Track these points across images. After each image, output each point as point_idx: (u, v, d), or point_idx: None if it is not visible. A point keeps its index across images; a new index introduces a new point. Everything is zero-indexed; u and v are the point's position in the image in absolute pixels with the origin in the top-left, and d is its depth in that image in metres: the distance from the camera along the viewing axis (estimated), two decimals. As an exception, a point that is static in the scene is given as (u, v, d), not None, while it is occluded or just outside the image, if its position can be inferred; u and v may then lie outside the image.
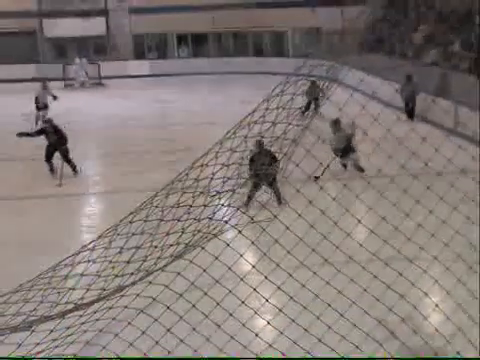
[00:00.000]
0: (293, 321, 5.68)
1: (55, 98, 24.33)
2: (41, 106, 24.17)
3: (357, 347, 5.80)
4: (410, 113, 23.39)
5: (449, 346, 7.15)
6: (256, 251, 6.07)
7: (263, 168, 12.82)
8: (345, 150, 16.22)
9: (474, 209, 6.77)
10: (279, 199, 13.12)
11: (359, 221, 5.64)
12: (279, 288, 5.79)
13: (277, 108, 5.13)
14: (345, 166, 16.60)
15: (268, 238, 5.47)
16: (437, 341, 7.89)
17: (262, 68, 35.99)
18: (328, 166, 13.50)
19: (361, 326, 5.90)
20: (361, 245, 5.87)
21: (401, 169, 6.67)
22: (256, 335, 5.72)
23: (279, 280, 5.99)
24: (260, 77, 32.16)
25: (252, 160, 12.70)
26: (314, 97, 23.08)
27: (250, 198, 12.74)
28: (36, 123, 23.17)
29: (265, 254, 5.68)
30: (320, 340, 5.60)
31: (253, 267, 6.54)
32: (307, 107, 22.91)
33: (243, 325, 5.68)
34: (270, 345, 5.66)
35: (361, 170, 15.67)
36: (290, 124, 5.08)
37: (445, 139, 7.24)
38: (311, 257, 5.94)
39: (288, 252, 5.60)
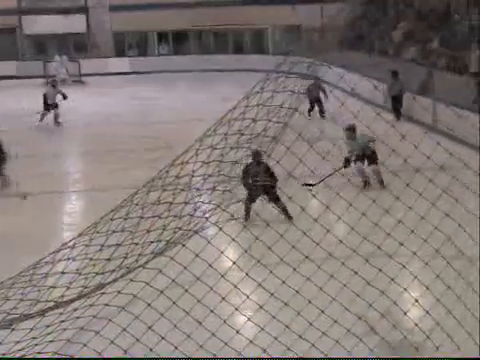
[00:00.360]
0: (274, 317, 5.69)
1: (65, 97, 23.89)
2: (52, 105, 23.77)
3: (337, 342, 5.81)
4: (397, 112, 22.78)
5: (428, 341, 7.19)
6: (237, 248, 6.06)
7: (258, 180, 12.42)
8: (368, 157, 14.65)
9: (453, 205, 6.80)
10: (286, 214, 12.37)
11: (339, 218, 5.65)
12: (260, 285, 5.78)
13: (257, 105, 5.13)
14: (367, 182, 14.56)
15: (249, 235, 5.47)
16: (416, 336, 7.93)
17: (242, 65, 35.99)
18: (327, 177, 11.82)
19: (341, 322, 5.92)
20: (341, 241, 5.88)
21: (381, 166, 6.70)
22: (237, 332, 5.72)
23: (260, 277, 5.99)
24: (241, 74, 32.14)
25: (246, 171, 12.20)
26: (315, 97, 22.72)
27: (248, 212, 12.38)
28: (41, 120, 23.05)
29: (246, 251, 5.68)
30: (300, 336, 5.61)
31: (234, 264, 6.54)
32: (311, 108, 22.65)
33: (224, 322, 5.68)
34: (251, 341, 5.66)
35: (381, 183, 14.01)
36: (270, 121, 5.08)
37: (424, 136, 7.26)
38: (292, 254, 5.94)
39: (269, 249, 5.61)
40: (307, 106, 22.15)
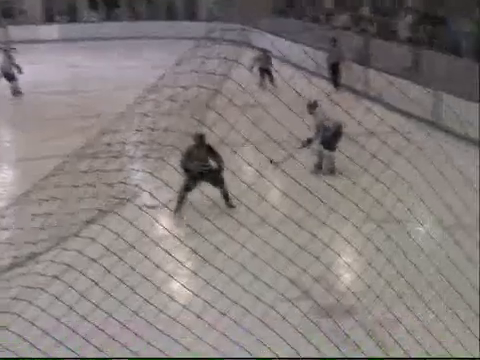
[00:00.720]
0: (208, 283, 5.71)
1: (20, 70, 23.13)
2: (9, 77, 22.99)
3: (271, 307, 5.87)
4: (336, 80, 22.69)
5: (359, 303, 7.34)
6: (171, 215, 6.05)
7: (203, 165, 11.92)
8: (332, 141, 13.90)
9: (382, 169, 6.89)
10: (228, 201, 11.52)
11: (272, 184, 5.69)
12: (194, 251, 5.79)
13: (189, 72, 5.10)
14: (320, 166, 14.19)
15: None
16: (349, 299, 8.09)
17: (174, 32, 35.67)
18: (292, 156, 11.64)
19: (276, 287, 5.97)
20: (274, 207, 5.91)
21: (311, 131, 6.75)
22: (171, 298, 5.73)
23: (194, 244, 6.00)
24: (173, 42, 31.85)
25: (188, 154, 11.89)
26: (265, 68, 22.09)
27: (181, 202, 11.01)
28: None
29: (180, 218, 5.67)
30: (235, 302, 5.65)
31: (168, 231, 6.54)
32: (262, 77, 22.01)
33: (158, 289, 5.67)
34: (184, 307, 5.69)
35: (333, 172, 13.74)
36: (202, 87, 5.06)
37: (356, 102, 7.36)
38: (225, 221, 5.96)
39: (203, 216, 5.62)
40: (242, 72, 21.98)
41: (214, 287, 5.70)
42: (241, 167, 10.57)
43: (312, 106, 13.66)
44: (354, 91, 21.33)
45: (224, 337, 5.80)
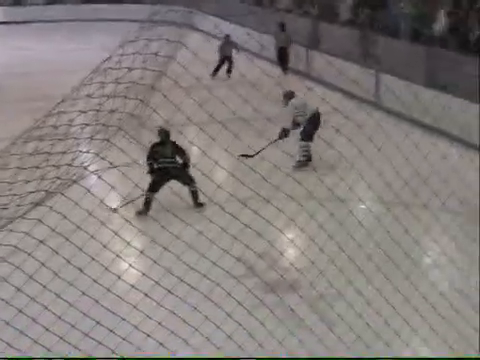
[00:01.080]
0: (155, 262, 5.70)
1: None
2: None
3: (218, 284, 5.90)
4: (284, 64, 22.39)
5: (303, 278, 7.42)
6: (117, 196, 6.02)
7: (167, 162, 11.14)
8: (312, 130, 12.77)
9: (325, 148, 6.97)
10: (196, 200, 10.75)
11: (216, 163, 5.68)
12: (141, 231, 5.78)
13: (133, 54, 5.06)
14: (310, 158, 12.85)
15: (128, 183, 5.43)
16: (292, 274, 8.18)
17: (120, 15, 35.21)
18: (264, 148, 10.97)
19: (221, 264, 5.99)
20: (219, 186, 5.92)
21: (255, 113, 6.77)
22: (119, 277, 5.71)
23: (141, 224, 5.98)
24: (119, 24, 31.47)
25: (152, 152, 11.36)
26: (227, 56, 21.41)
27: (148, 203, 10.17)
28: None
29: (125, 199, 5.65)
30: (181, 279, 5.66)
31: (114, 211, 6.51)
32: (218, 67, 21.15)
33: (106, 268, 5.65)
34: (132, 286, 5.68)
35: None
36: (146, 69, 5.03)
37: (298, 82, 7.39)
38: (172, 200, 5.96)
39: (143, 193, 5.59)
40: (185, 54, 21.80)
41: (160, 265, 5.70)
42: (187, 148, 10.58)
43: (287, 96, 12.86)
44: (300, 74, 21.39)
45: (172, 315, 5.81)
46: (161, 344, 5.72)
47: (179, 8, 5.81)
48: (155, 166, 11.11)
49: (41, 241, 4.99)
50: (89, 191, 5.17)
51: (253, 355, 6.15)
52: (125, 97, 5.05)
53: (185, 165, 11.27)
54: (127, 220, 5.75)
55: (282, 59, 22.51)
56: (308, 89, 6.35)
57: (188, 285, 5.73)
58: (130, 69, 5.03)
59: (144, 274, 5.91)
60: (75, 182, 5.31)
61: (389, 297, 6.55)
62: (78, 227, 5.26)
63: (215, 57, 21.02)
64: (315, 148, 6.83)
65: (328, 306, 7.31)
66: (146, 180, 6.72)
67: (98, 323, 5.61)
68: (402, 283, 7.00)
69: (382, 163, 7.61)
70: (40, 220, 5.05)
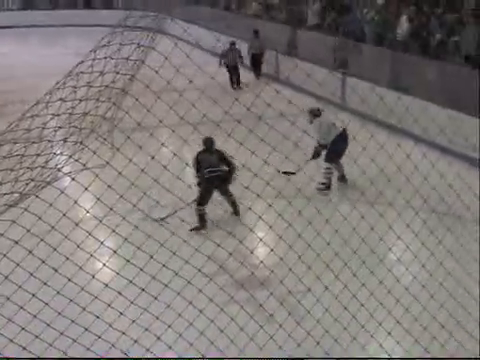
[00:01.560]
0: (128, 261, 5.69)
1: None
2: None
3: (189, 282, 5.90)
4: (257, 70, 22.28)
5: (273, 275, 7.43)
6: (90, 197, 5.98)
7: (213, 171, 10.33)
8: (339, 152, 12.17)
9: (293, 149, 6.98)
10: (236, 209, 10.06)
11: (187, 165, 5.69)
12: (114, 231, 5.75)
13: (105, 58, 5.04)
14: (344, 178, 12.54)
15: (101, 184, 5.40)
16: (262, 271, 8.19)
17: (93, 20, 35.05)
18: (301, 168, 10.53)
19: (193, 262, 5.99)
20: (190, 187, 5.93)
21: (225, 115, 6.77)
22: (93, 276, 5.68)
23: (114, 224, 5.95)
24: (91, 29, 31.31)
25: (197, 161, 10.47)
26: (233, 65, 20.90)
27: (202, 217, 9.49)
28: None
29: (98, 199, 5.62)
30: (154, 277, 5.65)
31: (87, 212, 6.48)
32: (231, 77, 20.62)
33: (80, 268, 5.62)
34: (106, 285, 5.65)
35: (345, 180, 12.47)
36: (118, 73, 5.01)
37: (266, 85, 7.40)
38: (143, 201, 5.94)
39: (120, 197, 5.58)
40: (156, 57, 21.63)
41: (133, 264, 5.69)
42: (158, 150, 10.53)
43: (313, 112, 12.23)
44: (271, 78, 21.42)
45: (145, 312, 5.80)
46: (135, 341, 5.71)
47: (150, 14, 5.79)
48: (205, 175, 10.17)
49: (16, 242, 4.96)
50: (63, 192, 5.14)
51: (224, 351, 6.15)
52: (97, 100, 5.03)
53: (230, 173, 10.48)
54: (100, 221, 5.71)
55: (255, 65, 22.45)
56: (276, 92, 6.36)
57: (161, 283, 5.72)
58: (102, 73, 5.01)
59: (118, 273, 5.89)
60: (49, 184, 5.27)
61: (356, 292, 6.59)
62: (52, 228, 5.23)
63: (180, 59, 20.89)
64: (285, 149, 6.86)
65: (297, 302, 7.34)
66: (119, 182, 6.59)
67: (73, 322, 5.58)
68: (368, 279, 7.05)
69: (348, 162, 7.68)
70: (14, 221, 5.01)
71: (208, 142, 10.56)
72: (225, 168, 10.57)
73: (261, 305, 6.97)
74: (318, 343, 6.22)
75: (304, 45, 21.42)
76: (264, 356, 6.36)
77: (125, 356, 5.84)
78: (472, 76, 14.46)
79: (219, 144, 5.99)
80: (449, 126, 9.37)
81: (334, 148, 12.10)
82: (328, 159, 12.23)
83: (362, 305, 6.41)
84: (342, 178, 12.48)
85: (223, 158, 10.65)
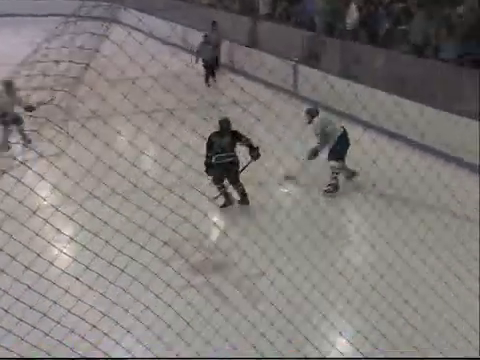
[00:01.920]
0: (84, 247, 5.67)
1: None
2: None
3: (146, 267, 5.90)
4: (215, 61, 21.39)
5: (227, 259, 7.49)
6: (46, 185, 5.93)
7: (222, 156, 9.85)
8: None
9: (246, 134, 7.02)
10: (244, 199, 9.96)
11: (142, 151, 5.68)
12: (71, 218, 5.71)
13: (59, 47, 5.01)
14: (353, 174, 12.00)
15: (57, 172, 5.36)
16: (217, 255, 8.23)
17: (49, 10, 34.46)
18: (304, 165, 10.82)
19: (149, 248, 5.98)
20: (145, 173, 5.91)
21: (179, 103, 6.77)
22: (51, 263, 5.64)
23: (70, 211, 5.91)
24: (47, 19, 30.85)
25: (210, 143, 9.84)
26: (212, 57, 20.11)
27: (226, 195, 9.89)
28: None
29: (55, 187, 5.58)
30: (111, 263, 5.64)
31: (44, 200, 6.42)
32: (207, 73, 19.60)
33: (38, 255, 5.57)
34: (63, 271, 5.62)
35: (354, 174, 11.96)
36: (72, 62, 4.97)
37: (223, 75, 7.42)
38: (99, 188, 5.91)
39: (77, 184, 5.55)
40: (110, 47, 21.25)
41: (90, 250, 5.67)
42: (113, 138, 10.49)
43: (310, 113, 11.76)
44: (228, 68, 21.37)
45: (103, 297, 5.78)
46: (94, 326, 5.69)
47: (103, 3, 5.76)
48: (213, 160, 9.73)
49: (-28, 230, 4.90)
50: (19, 181, 5.09)
51: (181, 334, 6.16)
52: (52, 89, 4.99)
53: (252, 148, 10.07)
54: (57, 208, 5.66)
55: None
56: (231, 81, 6.38)
57: (118, 268, 5.71)
58: (57, 62, 4.97)
59: (75, 259, 5.87)
60: (4, 172, 5.22)
61: (308, 274, 6.67)
62: (8, 216, 5.18)
63: (135, 48, 20.63)
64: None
65: (252, 284, 7.40)
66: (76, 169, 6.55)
67: (31, 308, 5.54)
68: (320, 261, 7.14)
69: (301, 147, 7.74)
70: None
71: (224, 123, 9.92)
72: (235, 154, 10.14)
73: (217, 288, 7.01)
74: (272, 324, 6.29)
75: (265, 36, 21.37)
76: (220, 338, 6.40)
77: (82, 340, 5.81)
78: (418, 63, 14.68)
79: (173, 130, 5.97)
80: (396, 112, 9.50)
81: (337, 148, 11.59)
82: (332, 157, 11.59)
83: (314, 286, 6.49)
84: (351, 175, 11.99)
85: (238, 138, 10.04)
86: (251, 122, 7.00)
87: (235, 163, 10.13)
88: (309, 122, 11.53)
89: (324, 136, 11.51)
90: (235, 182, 10.10)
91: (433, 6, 15.14)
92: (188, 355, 6.04)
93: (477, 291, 7.16)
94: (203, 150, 6.31)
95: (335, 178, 11.41)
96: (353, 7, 17.93)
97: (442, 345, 6.53)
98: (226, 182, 10.11)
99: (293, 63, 18.52)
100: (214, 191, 9.27)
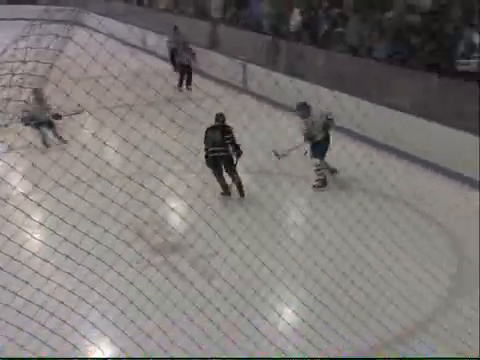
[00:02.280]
0: (54, 232, 5.66)
1: None
2: None
3: (109, 248, 5.90)
4: (175, 63, 20.79)
5: (184, 240, 7.52)
6: (16, 175, 5.88)
7: (215, 150, 9.81)
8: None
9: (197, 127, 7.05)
10: (241, 190, 9.96)
11: (105, 143, 5.67)
12: (39, 205, 5.67)
13: (26, 48, 4.97)
14: (334, 171, 11.37)
15: (26, 162, 5.32)
16: (175, 237, 8.26)
17: (17, 15, 33.73)
18: (297, 147, 10.66)
19: (112, 231, 5.98)
20: (108, 163, 5.90)
21: (138, 99, 6.76)
22: (21, 246, 5.61)
23: (39, 198, 5.86)
24: (15, 23, 30.21)
25: (205, 137, 9.93)
26: (185, 64, 19.24)
27: (224, 186, 9.82)
28: None
29: (24, 176, 5.53)
30: (77, 246, 5.63)
31: (14, 189, 6.37)
32: (181, 79, 18.99)
33: (8, 239, 5.53)
34: (33, 254, 5.60)
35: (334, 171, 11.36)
36: (39, 62, 4.94)
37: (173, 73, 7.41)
38: (65, 177, 5.88)
39: (45, 173, 5.52)
40: (73, 49, 20.86)
41: (58, 234, 5.65)
42: (78, 130, 10.39)
43: (303, 108, 10.86)
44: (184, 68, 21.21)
45: (70, 277, 5.78)
46: (62, 302, 5.69)
47: (67, 8, 5.71)
48: (207, 154, 9.84)
49: None
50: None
51: (143, 309, 6.17)
52: (20, 87, 4.95)
53: (234, 145, 9.84)
54: (27, 196, 5.62)
55: (173, 58, 22.06)
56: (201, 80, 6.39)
57: (84, 251, 5.71)
58: (24, 62, 4.93)
59: (44, 243, 5.85)
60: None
61: (257, 253, 6.74)
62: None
63: (96, 48, 20.31)
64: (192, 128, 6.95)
65: (207, 263, 7.44)
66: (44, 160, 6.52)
67: (4, 288, 5.51)
68: (268, 240, 7.21)
69: (249, 139, 7.78)
70: None
71: (220, 118, 9.88)
72: (226, 148, 9.86)
73: (175, 267, 7.03)
74: (226, 299, 6.34)
75: (225, 40, 21.27)
76: (178, 311, 6.44)
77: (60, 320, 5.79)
78: (353, 62, 14.87)
79: (133, 123, 5.96)
80: (335, 106, 9.61)
81: (321, 146, 10.95)
82: (315, 155, 10.97)
83: (263, 264, 6.56)
84: (333, 171, 11.38)
85: (227, 133, 9.81)
86: (203, 115, 7.03)
87: (226, 156, 9.86)
88: (304, 117, 10.83)
89: (313, 131, 10.85)
90: (231, 174, 9.97)
91: (366, 11, 15.36)
92: (149, 328, 6.06)
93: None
94: (161, 141, 6.30)
95: (322, 174, 10.95)
96: (296, 11, 18.03)
97: (378, 313, 6.67)
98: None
99: (242, 62, 18.55)
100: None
